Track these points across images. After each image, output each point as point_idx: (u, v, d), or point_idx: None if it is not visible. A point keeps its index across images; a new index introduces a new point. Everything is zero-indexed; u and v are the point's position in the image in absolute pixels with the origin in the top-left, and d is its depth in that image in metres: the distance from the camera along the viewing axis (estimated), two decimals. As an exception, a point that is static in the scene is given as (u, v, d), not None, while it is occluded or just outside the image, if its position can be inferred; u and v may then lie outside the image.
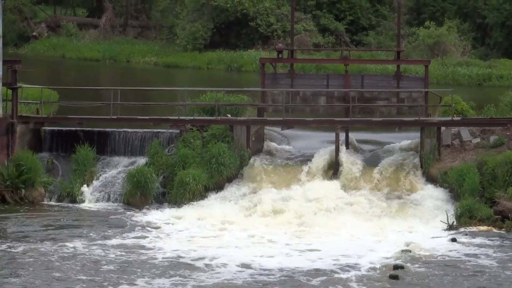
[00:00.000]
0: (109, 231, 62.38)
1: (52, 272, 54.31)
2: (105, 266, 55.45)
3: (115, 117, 72.68)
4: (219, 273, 54.60)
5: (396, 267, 55.59)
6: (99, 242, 59.80)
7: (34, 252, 58.18)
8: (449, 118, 71.06)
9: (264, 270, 55.27)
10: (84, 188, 69.30)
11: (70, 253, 57.95)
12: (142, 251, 58.14)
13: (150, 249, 58.85)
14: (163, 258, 57.03)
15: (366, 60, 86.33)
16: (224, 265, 55.81)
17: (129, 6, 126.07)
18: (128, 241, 60.33)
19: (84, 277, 53.28)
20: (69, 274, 54.13)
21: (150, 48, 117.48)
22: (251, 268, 55.80)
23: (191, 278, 54.05)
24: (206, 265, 56.12)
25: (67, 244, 59.53)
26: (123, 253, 57.31)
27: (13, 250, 58.42)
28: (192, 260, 56.93)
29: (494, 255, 58.80)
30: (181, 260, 57.02)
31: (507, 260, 57.47)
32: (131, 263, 55.66)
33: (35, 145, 71.25)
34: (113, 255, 57.97)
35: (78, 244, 59.27)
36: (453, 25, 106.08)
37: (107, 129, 72.67)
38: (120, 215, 66.27)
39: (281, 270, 55.15)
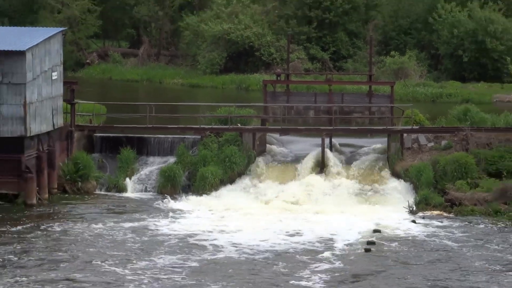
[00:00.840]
0: (145, 214, 62.53)
1: (100, 244, 55.24)
2: (143, 239, 56.48)
3: (151, 126, 72.64)
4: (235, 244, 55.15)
5: (369, 242, 56.08)
6: (137, 223, 60.25)
7: (87, 229, 58.84)
8: (409, 127, 70.94)
9: (255, 245, 55.48)
10: (127, 181, 69.34)
11: (113, 231, 58.42)
12: (168, 231, 58.53)
13: (175, 229, 59.01)
14: (186, 235, 57.29)
15: (345, 81, 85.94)
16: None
17: (162, 39, 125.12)
18: (159, 223, 60.56)
19: (123, 249, 54.31)
20: (111, 246, 55.06)
21: (177, 72, 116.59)
22: (246, 242, 55.93)
23: (208, 252, 54.34)
24: (225, 242, 55.91)
25: (112, 224, 59.95)
26: (154, 232, 58.24)
27: (72, 228, 59.08)
28: (194, 239, 56.73)
29: (445, 233, 59.01)
30: (201, 236, 57.24)
31: (455, 237, 57.92)
32: (158, 239, 56.56)
33: (89, 148, 71.06)
34: (146, 233, 58.70)
35: (120, 224, 59.81)
36: (412, 54, 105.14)
37: (144, 135, 72.57)
38: (154, 202, 66.40)
39: (273, 246, 55.44)
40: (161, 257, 51.46)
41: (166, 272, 48.47)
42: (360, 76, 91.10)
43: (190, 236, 56.42)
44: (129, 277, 47.23)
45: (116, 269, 48.95)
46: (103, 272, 48.64)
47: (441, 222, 61.11)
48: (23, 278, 47.06)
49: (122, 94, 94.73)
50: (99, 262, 50.35)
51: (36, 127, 64.08)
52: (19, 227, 57.91)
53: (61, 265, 49.94)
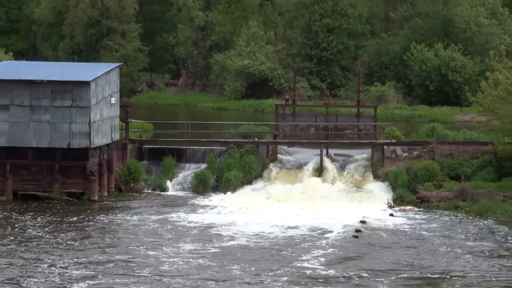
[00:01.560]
0: (182, 209, 62.33)
1: (144, 232, 55.52)
2: (178, 228, 56.39)
3: (187, 139, 72.47)
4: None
5: (356, 231, 55.95)
6: (175, 214, 60.21)
7: (137, 220, 58.76)
8: (388, 141, 70.88)
9: (267, 233, 55.36)
10: (168, 182, 69.26)
11: (155, 222, 58.33)
12: (197, 222, 58.30)
13: (203, 221, 58.85)
14: (211, 226, 57.30)
15: (338, 105, 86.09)
16: (232, 230, 56.65)
17: (196, 72, 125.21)
18: (191, 216, 60.53)
19: (161, 236, 54.69)
20: (152, 233, 55.22)
21: (208, 97, 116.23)
22: (260, 231, 56.11)
23: (228, 239, 54.05)
24: (240, 232, 55.90)
25: (155, 216, 59.90)
26: (186, 223, 58.08)
27: (124, 219, 59.13)
28: (220, 228, 57.03)
29: (417, 223, 59.13)
30: (223, 227, 57.42)
31: (424, 226, 57.84)
32: (189, 229, 56.58)
33: (139, 157, 71.05)
34: (180, 224, 58.77)
35: (161, 216, 59.74)
36: (391, 84, 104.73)
37: (182, 147, 72.18)
38: (189, 199, 66.14)
39: (280, 235, 55.29)
40: (190, 243, 51.59)
41: (192, 255, 48.42)
42: (350, 101, 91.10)
43: (214, 226, 56.44)
44: (163, 259, 47.20)
45: (154, 252, 49.19)
46: (144, 254, 48.76)
47: (413, 214, 61.00)
48: (83, 259, 46.90)
49: (165, 115, 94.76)
50: (142, 247, 50.74)
51: (98, 140, 64.20)
52: (83, 218, 58.06)
53: (113, 249, 50.08)
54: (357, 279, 44.29)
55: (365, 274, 45.19)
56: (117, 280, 42.41)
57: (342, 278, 44.46)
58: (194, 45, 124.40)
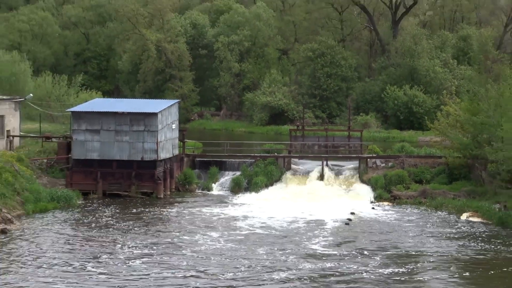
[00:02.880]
0: (222, 204, 62.04)
1: (194, 221, 55.15)
2: (218, 218, 55.91)
3: (227, 154, 71.81)
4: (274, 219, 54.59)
5: (348, 219, 55.56)
6: (216, 209, 59.71)
7: (189, 212, 58.25)
8: (371, 155, 70.12)
9: (283, 221, 55.38)
10: (213, 185, 68.67)
11: (202, 213, 57.94)
12: (218, 215, 57.45)
13: (227, 212, 58.63)
14: (229, 217, 56.77)
15: (334, 130, 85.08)
16: (260, 220, 56.46)
17: (233, 106, 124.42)
18: (227, 209, 59.96)
19: (203, 224, 54.29)
20: (198, 222, 54.86)
21: (241, 124, 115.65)
22: (278, 220, 55.75)
23: (252, 227, 54.39)
24: (254, 220, 55.58)
25: (202, 209, 59.40)
26: (222, 214, 57.56)
27: (180, 211, 58.71)
28: (249, 217, 56.64)
29: (391, 215, 58.45)
30: (245, 219, 56.34)
31: (397, 217, 57.31)
32: (224, 218, 56.14)
33: (192, 166, 70.58)
34: (219, 215, 57.66)
35: (206, 209, 59.12)
36: (372, 115, 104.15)
37: (223, 159, 71.42)
38: (227, 197, 65.75)
39: (290, 224, 54.90)
40: (225, 229, 51.31)
41: (227, 238, 48.32)
42: (343, 127, 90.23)
43: (244, 217, 56.02)
44: (205, 241, 47.13)
45: (198, 236, 48.94)
46: (190, 237, 48.65)
47: (389, 208, 60.52)
48: (146, 241, 46.93)
49: (211, 137, 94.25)
50: (190, 231, 50.62)
51: (163, 155, 63.94)
52: (151, 211, 57.88)
53: (168, 233, 50.13)
54: (349, 256, 44.01)
55: (355, 252, 44.94)
56: (165, 257, 42.57)
57: (337, 256, 44.14)
58: (232, 87, 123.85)
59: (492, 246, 46.98)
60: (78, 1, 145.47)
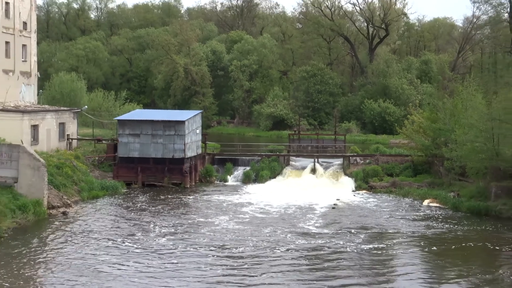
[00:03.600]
0: (235, 192, 61.36)
1: (211, 206, 54.42)
2: (231, 203, 55.33)
3: (239, 153, 71.93)
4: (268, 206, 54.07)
5: (334, 205, 55.00)
6: (230, 196, 59.14)
7: (208, 199, 57.77)
8: (352, 154, 69.65)
9: (283, 206, 54.83)
10: (228, 177, 67.87)
11: (219, 200, 57.25)
12: (232, 201, 57.36)
13: (239, 199, 58.17)
14: (241, 202, 56.55)
15: (324, 134, 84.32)
16: (265, 205, 55.83)
17: (244, 115, 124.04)
18: (239, 197, 59.40)
19: (219, 208, 53.68)
20: (214, 207, 54.21)
21: (251, 130, 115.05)
22: (279, 205, 55.19)
23: (256, 211, 53.30)
24: (260, 205, 55.25)
25: (219, 197, 58.89)
26: (234, 201, 56.95)
27: (201, 198, 58.22)
28: (253, 204, 55.79)
29: (369, 200, 58.09)
30: (254, 204, 55.88)
31: (373, 202, 56.77)
32: (220, 205, 55.19)
33: (212, 162, 69.90)
34: (232, 201, 57.02)
35: (223, 197, 58.63)
36: (354, 122, 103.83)
37: (236, 157, 70.80)
38: (239, 187, 64.89)
39: (284, 206, 54.18)
40: (238, 212, 50.96)
41: (235, 220, 47.92)
42: (331, 132, 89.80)
43: (253, 202, 55.53)
44: (217, 222, 46.81)
45: (215, 218, 48.75)
46: (207, 219, 48.41)
47: (367, 196, 60.05)
48: (172, 222, 46.82)
49: (227, 139, 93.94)
50: (207, 214, 50.20)
51: (189, 154, 63.57)
52: (179, 197, 57.50)
53: (191, 215, 49.75)
54: (336, 234, 43.81)
55: (341, 231, 44.72)
56: (188, 235, 42.50)
57: (327, 234, 43.96)
58: (243, 100, 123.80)
59: (449, 226, 46.84)
60: (123, 33, 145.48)
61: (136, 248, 38.64)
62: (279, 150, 73.43)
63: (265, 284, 32.36)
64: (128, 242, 40.00)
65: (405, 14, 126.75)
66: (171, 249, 38.52)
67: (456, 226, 46.75)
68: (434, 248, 40.46)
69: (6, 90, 63.43)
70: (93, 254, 36.91)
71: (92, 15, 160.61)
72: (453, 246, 40.95)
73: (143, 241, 40.63)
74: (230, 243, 40.20)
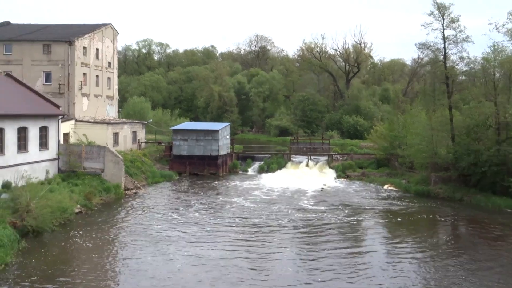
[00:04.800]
0: (252, 179, 60.59)
1: (234, 189, 53.48)
2: (249, 187, 54.25)
3: (256, 152, 71.34)
4: (272, 190, 52.75)
5: (321, 188, 54.17)
6: (248, 182, 58.45)
7: (234, 184, 56.93)
8: (334, 153, 68.68)
9: (286, 189, 53.64)
10: (249, 168, 67.05)
11: (240, 185, 56.62)
12: (251, 185, 56.02)
13: (256, 184, 56.90)
14: (257, 186, 55.11)
15: (314, 139, 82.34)
16: (273, 188, 54.65)
17: (259, 126, 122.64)
18: (253, 182, 58.53)
19: (237, 190, 52.51)
20: (235, 189, 53.21)
21: (264, 136, 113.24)
22: (282, 188, 54.21)
23: (264, 193, 52.45)
24: (270, 188, 53.98)
25: (240, 182, 58.19)
26: (250, 185, 56.04)
27: (228, 183, 57.28)
28: (265, 187, 54.67)
29: (347, 186, 57.01)
30: (266, 187, 54.75)
31: (351, 187, 55.74)
32: (243, 188, 53.65)
33: (237, 159, 68.93)
34: (251, 186, 55.48)
35: (242, 182, 57.86)
36: (335, 131, 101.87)
37: (254, 155, 70.24)
38: (256, 176, 63.97)
39: (286, 189, 53.00)
40: (253, 194, 50.26)
41: (251, 199, 47.51)
42: (319, 138, 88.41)
43: (265, 187, 54.67)
44: (239, 201, 46.33)
45: (237, 198, 48.18)
46: (231, 199, 47.87)
47: (345, 182, 59.04)
48: (205, 200, 46.36)
49: (247, 143, 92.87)
50: (232, 195, 49.47)
51: (222, 152, 63.07)
52: (213, 183, 56.83)
53: (219, 196, 49.06)
54: (325, 209, 43.27)
55: (327, 207, 44.18)
56: (218, 210, 41.88)
57: (318, 209, 43.48)
58: (259, 115, 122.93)
59: (402, 203, 46.29)
60: (176, 69, 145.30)
61: (179, 219, 38.06)
62: (284, 150, 72.55)
63: (275, 243, 32.00)
64: (174, 215, 39.50)
65: (371, 56, 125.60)
66: (205, 219, 37.96)
67: (406, 203, 46.17)
68: (392, 217, 39.98)
69: (96, 109, 63.63)
70: (149, 224, 36.36)
71: (155, 57, 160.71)
72: (405, 217, 40.43)
73: (184, 213, 40.08)
74: (248, 215, 39.77)
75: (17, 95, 45.51)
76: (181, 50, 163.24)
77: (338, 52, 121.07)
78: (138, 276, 25.63)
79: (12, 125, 40.17)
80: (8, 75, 49.02)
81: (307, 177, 61.55)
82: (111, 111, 68.68)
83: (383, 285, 25.02)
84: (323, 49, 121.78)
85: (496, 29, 35.79)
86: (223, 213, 40.55)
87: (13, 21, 70.99)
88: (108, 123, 59.70)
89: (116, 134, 60.43)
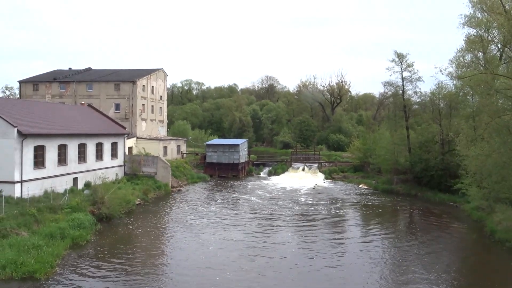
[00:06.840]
0: (263, 180, 59.72)
1: (249, 186, 52.33)
2: (260, 186, 52.82)
3: (266, 160, 70.32)
4: (276, 188, 52.01)
5: (313, 187, 52.72)
6: (260, 181, 57.35)
7: (250, 183, 55.99)
8: (323, 161, 68.19)
9: (288, 188, 52.80)
10: (261, 172, 66.33)
11: (252, 184, 55.53)
12: (262, 184, 55.09)
13: (266, 183, 55.94)
14: (267, 185, 54.31)
15: (309, 151, 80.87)
16: (279, 187, 53.43)
17: (268, 142, 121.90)
18: (261, 183, 57.69)
19: (250, 189, 51.08)
20: (248, 187, 52.20)
21: (273, 149, 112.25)
22: (285, 187, 53.23)
23: (271, 191, 51.64)
24: (276, 186, 53.12)
25: (254, 181, 57.14)
26: (259, 185, 54.83)
27: (246, 183, 56.30)
28: (273, 186, 53.94)
29: (333, 186, 56.00)
30: (273, 186, 54.07)
31: (336, 187, 54.76)
32: (256, 186, 52.83)
33: (253, 165, 68.48)
34: (262, 185, 54.39)
35: (257, 182, 56.92)
36: (324, 145, 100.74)
37: (265, 162, 69.78)
38: (266, 178, 63.11)
39: (282, 188, 51.92)
40: (262, 192, 49.56)
41: (262, 196, 46.91)
42: (312, 150, 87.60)
43: (272, 186, 53.99)
44: (252, 199, 45.75)
45: (249, 195, 47.52)
46: (245, 196, 47.34)
47: (332, 183, 58.22)
48: (226, 196, 45.83)
49: (259, 153, 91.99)
50: (245, 193, 48.73)
51: (241, 160, 62.66)
52: (235, 183, 56.23)
53: (237, 194, 48.36)
54: (317, 203, 42.71)
55: (319, 201, 43.65)
56: (235, 204, 41.21)
57: (312, 203, 42.98)
58: (268, 134, 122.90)
59: (373, 198, 45.73)
60: (208, 101, 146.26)
61: (203, 211, 37.42)
62: (286, 159, 71.86)
63: (281, 228, 31.82)
64: (201, 207, 38.96)
65: (350, 91, 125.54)
66: (226, 212, 37.41)
67: (376, 198, 45.61)
68: (366, 209, 39.52)
69: (151, 129, 64.37)
70: (183, 214, 35.92)
71: (194, 92, 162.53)
72: (374, 208, 39.96)
73: (209, 206, 39.52)
74: (259, 208, 39.39)
75: (95, 120, 47.07)
76: (212, 87, 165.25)
77: (326, 88, 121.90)
78: (186, 252, 25.56)
79: (92, 141, 41.39)
80: (89, 106, 51.45)
81: (303, 179, 61.04)
82: (162, 131, 69.39)
83: (361, 258, 24.98)
84: (315, 86, 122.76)
85: (440, 71, 36.36)
86: (238, 207, 39.88)
87: (93, 67, 73.22)
88: (160, 140, 60.11)
89: (165, 147, 60.69)
